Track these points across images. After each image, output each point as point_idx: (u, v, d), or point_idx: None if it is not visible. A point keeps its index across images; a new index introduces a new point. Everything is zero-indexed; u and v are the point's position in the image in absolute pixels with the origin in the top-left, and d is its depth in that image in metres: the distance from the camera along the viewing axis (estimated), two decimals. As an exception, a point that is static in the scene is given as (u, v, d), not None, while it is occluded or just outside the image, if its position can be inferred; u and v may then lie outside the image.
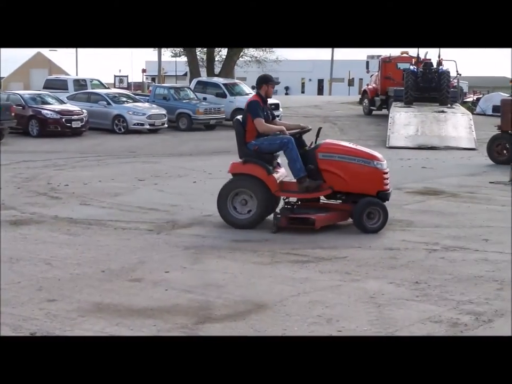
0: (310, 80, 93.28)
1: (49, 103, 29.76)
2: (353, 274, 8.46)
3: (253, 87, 50.66)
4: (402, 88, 32.49)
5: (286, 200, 11.22)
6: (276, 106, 33.90)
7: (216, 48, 44.06)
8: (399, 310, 7.11)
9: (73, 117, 28.71)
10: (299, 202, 11.19)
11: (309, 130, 11.53)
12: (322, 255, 9.38)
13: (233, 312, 7.06)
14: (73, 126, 28.58)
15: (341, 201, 11.21)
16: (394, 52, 38.57)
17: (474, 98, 47.98)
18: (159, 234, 10.59)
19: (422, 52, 34.51)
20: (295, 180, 11.08)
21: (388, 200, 11.09)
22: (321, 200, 11.33)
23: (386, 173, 11.08)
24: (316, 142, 11.50)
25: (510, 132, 20.56)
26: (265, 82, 11.32)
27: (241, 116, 11.33)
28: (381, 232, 10.69)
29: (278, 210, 11.09)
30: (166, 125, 30.94)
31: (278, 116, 33.33)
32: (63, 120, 28.38)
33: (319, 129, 11.65)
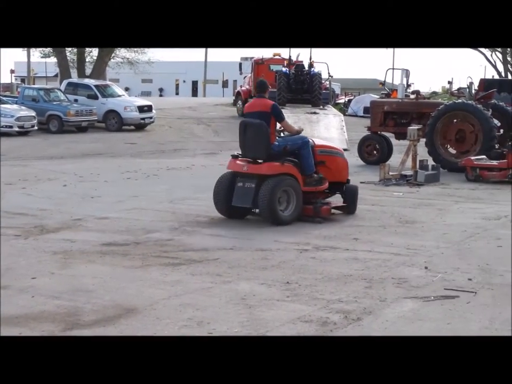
0: (184, 81, 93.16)
1: None
2: (224, 276, 8.44)
3: (126, 89, 50.21)
4: (275, 90, 32.79)
5: None
6: (149, 108, 33.70)
7: (87, 49, 43.42)
8: (270, 310, 7.12)
9: None
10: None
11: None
12: (193, 257, 9.34)
13: (102, 317, 6.93)
14: None
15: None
16: (267, 53, 38.96)
17: (346, 100, 48.91)
18: (26, 239, 10.31)
19: (295, 54, 34.98)
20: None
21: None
22: None
23: None
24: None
25: (379, 132, 21.08)
26: (267, 87, 12.45)
27: (259, 119, 11.69)
28: (252, 233, 10.74)
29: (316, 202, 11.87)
30: (36, 127, 30.23)
31: (151, 118, 33.19)
32: None
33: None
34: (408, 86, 28.27)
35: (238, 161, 11.94)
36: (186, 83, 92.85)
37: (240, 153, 12.07)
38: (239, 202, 11.65)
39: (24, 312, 7.06)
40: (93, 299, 7.50)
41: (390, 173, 16.65)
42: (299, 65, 33.99)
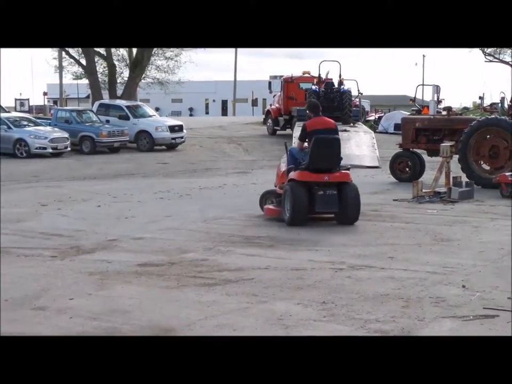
0: (214, 101, 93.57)
1: None
2: (260, 296, 8.43)
3: (156, 109, 50.48)
4: (304, 108, 32.78)
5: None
6: (180, 127, 33.88)
7: (118, 70, 43.83)
8: (306, 331, 7.09)
9: (-28, 143, 28.09)
10: None
11: None
12: (229, 277, 9.33)
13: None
14: (-28, 152, 27.95)
15: None
16: (296, 72, 39.00)
17: (376, 117, 48.78)
18: (62, 260, 10.38)
19: (324, 71, 35.00)
20: None
21: None
22: None
23: None
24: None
25: (411, 149, 21.00)
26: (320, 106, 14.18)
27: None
28: (286, 253, 10.74)
29: None
30: (69, 148, 30.51)
31: (182, 138, 33.35)
32: (-37, 145, 27.73)
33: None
34: (439, 102, 28.17)
35: (309, 173, 13.06)
36: (216, 102, 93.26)
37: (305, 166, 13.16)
38: (325, 208, 13.06)
39: (63, 334, 7.08)
40: (130, 320, 7.52)
41: (423, 190, 16.56)
42: (329, 83, 34.02)
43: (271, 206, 13.83)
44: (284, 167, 14.08)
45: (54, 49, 46.47)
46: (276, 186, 14.25)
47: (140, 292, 8.66)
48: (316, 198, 12.90)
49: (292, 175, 13.24)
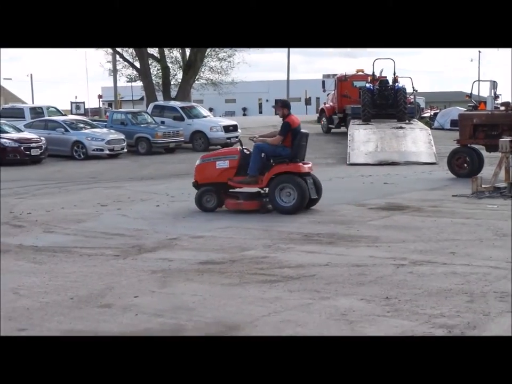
0: (267, 100, 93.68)
1: (6, 132, 29.53)
2: (322, 292, 8.44)
3: (210, 109, 50.73)
4: (360, 106, 32.71)
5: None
6: (234, 127, 34.02)
7: (172, 72, 44.13)
8: (371, 326, 7.10)
9: (32, 145, 28.56)
10: None
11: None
12: (290, 274, 9.36)
13: (206, 335, 7.01)
14: (32, 154, 28.41)
15: None
16: (350, 70, 38.89)
17: (432, 114, 48.42)
18: (125, 259, 10.51)
19: (378, 69, 34.87)
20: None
21: None
22: None
23: None
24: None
25: (469, 145, 20.80)
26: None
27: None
28: (346, 250, 10.73)
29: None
30: (125, 150, 30.85)
31: (236, 137, 33.48)
32: (22, 148, 28.21)
33: None
34: (496, 97, 27.90)
35: (302, 164, 14.66)
36: (269, 102, 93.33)
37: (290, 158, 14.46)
38: (315, 195, 14.62)
39: (130, 330, 7.18)
40: (194, 317, 7.60)
41: (483, 186, 16.40)
42: (383, 81, 33.88)
43: (234, 200, 14.77)
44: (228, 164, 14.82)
45: (108, 52, 46.99)
46: (198, 183, 15.12)
47: (202, 289, 8.73)
48: (308, 186, 14.36)
49: (285, 167, 14.37)
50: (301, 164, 14.60)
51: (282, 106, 14.78)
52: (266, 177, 14.42)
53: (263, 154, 14.53)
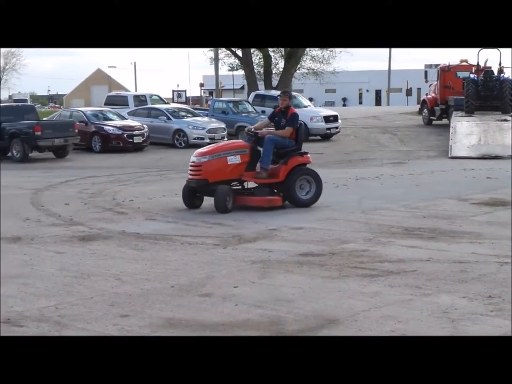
0: (367, 91, 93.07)
1: (111, 119, 30.20)
2: (423, 288, 8.34)
3: (310, 99, 50.67)
4: (463, 97, 32.12)
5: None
6: (335, 118, 33.84)
7: (273, 61, 44.19)
8: (474, 325, 6.97)
9: (134, 132, 29.09)
10: None
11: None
12: (391, 268, 9.28)
13: (305, 327, 7.01)
14: (135, 141, 28.95)
15: None
16: (453, 60, 38.21)
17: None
18: (225, 248, 10.60)
19: (482, 59, 34.18)
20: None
21: None
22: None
23: None
24: None
25: None
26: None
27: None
28: (448, 245, 10.57)
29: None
30: (226, 139, 31.04)
31: (337, 128, 33.33)
32: (125, 135, 28.77)
33: None
34: None
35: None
36: (369, 92, 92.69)
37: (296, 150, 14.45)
38: None
39: (229, 320, 7.25)
40: (294, 309, 7.61)
41: None
42: (488, 71, 33.18)
43: (265, 197, 14.06)
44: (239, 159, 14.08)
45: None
46: (209, 181, 13.86)
47: (302, 281, 8.73)
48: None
49: (300, 160, 14.38)
50: (308, 155, 14.69)
51: (290, 97, 14.74)
52: (284, 171, 14.07)
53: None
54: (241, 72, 46.59)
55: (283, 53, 44.88)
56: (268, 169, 14.07)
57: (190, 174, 14.14)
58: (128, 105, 34.60)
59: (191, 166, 14.14)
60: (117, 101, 35.74)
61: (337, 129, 33.57)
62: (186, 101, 63.51)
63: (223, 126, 31.09)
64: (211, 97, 60.67)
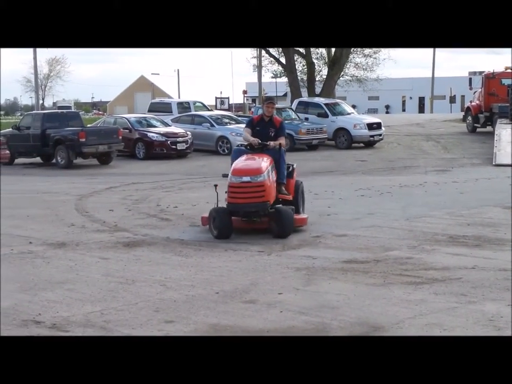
0: (410, 98, 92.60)
1: (154, 126, 30.41)
2: (469, 296, 8.29)
3: (353, 106, 50.58)
4: (507, 105, 31.86)
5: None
6: (378, 125, 33.73)
7: (317, 68, 44.24)
8: (520, 333, 6.92)
9: (178, 139, 29.26)
10: None
11: None
12: (435, 276, 9.23)
13: (350, 334, 7.00)
14: (178, 148, 29.11)
15: None
16: (498, 67, 37.91)
17: None
18: (269, 255, 10.62)
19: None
20: None
21: None
22: None
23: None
24: None
25: None
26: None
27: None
28: (492, 253, 10.48)
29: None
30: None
31: (380, 135, 33.21)
32: (169, 142, 28.94)
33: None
34: None
35: None
36: (412, 99, 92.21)
37: None
38: None
39: (274, 327, 7.26)
40: (339, 316, 7.60)
41: None
42: (533, 78, 32.89)
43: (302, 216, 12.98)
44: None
45: (254, 48, 47.52)
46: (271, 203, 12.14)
47: (346, 288, 8.73)
48: None
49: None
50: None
51: (274, 104, 13.46)
52: (292, 185, 13.15)
53: None
54: (284, 79, 46.79)
55: (326, 60, 44.91)
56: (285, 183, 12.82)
57: (245, 197, 11.93)
58: (171, 112, 34.83)
59: (243, 187, 11.92)
60: (160, 108, 36.02)
61: (381, 137, 33.44)
62: (229, 108, 63.70)
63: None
64: (254, 104, 60.82)
